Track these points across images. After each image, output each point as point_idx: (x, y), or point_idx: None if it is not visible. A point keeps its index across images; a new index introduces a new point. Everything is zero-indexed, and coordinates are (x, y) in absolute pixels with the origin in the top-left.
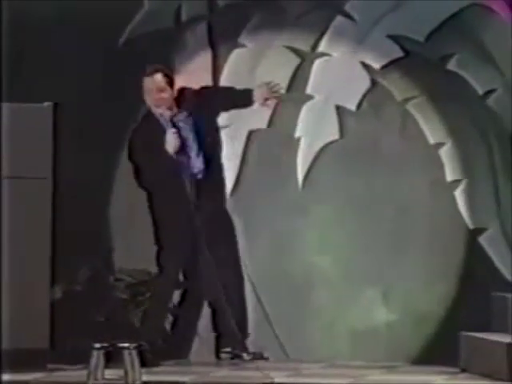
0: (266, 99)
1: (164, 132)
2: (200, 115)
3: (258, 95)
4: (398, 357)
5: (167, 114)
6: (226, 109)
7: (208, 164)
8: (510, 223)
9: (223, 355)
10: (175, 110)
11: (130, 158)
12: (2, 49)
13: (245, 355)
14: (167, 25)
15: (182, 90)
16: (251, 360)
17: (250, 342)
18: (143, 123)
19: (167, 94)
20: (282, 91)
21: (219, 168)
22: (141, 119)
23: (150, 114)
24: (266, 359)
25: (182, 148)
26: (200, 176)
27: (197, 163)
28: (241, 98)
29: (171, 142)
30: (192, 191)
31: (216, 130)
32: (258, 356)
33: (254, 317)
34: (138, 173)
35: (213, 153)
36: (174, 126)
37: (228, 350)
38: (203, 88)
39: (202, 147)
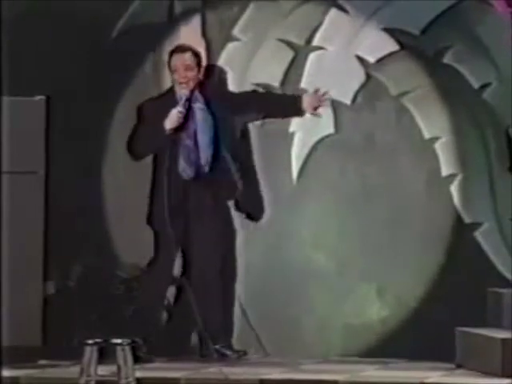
0: (316, 108)
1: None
2: (226, 112)
3: (307, 104)
4: (393, 353)
5: (184, 92)
6: (275, 116)
7: (216, 158)
8: (505, 218)
9: (207, 352)
10: (197, 92)
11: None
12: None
13: (229, 353)
14: (161, 18)
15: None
16: (236, 358)
17: (242, 339)
18: (161, 96)
19: (194, 74)
20: (329, 97)
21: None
22: (160, 94)
23: (170, 91)
24: (245, 355)
25: (181, 129)
26: (206, 169)
27: (205, 155)
28: (291, 106)
29: (172, 120)
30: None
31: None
32: (242, 354)
33: (248, 313)
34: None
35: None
36: (188, 107)
37: (215, 347)
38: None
39: (214, 142)
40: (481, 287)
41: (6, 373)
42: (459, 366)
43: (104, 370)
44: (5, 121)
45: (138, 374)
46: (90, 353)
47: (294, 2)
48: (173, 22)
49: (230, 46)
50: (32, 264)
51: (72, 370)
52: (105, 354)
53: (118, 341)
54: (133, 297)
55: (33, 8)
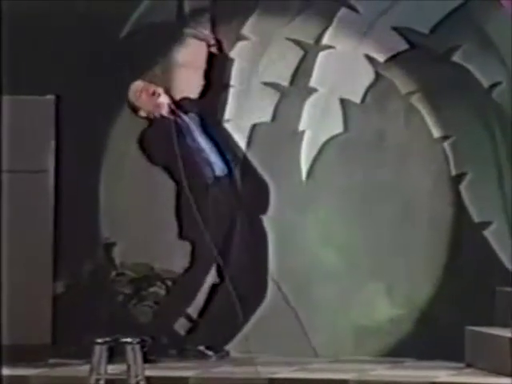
0: None
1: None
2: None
3: None
4: (403, 352)
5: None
6: None
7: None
8: None
9: (189, 352)
10: (192, 115)
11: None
12: (1, 42)
13: (210, 353)
14: (170, 17)
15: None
16: (216, 358)
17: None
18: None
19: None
20: None
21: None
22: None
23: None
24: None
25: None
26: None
27: (218, 164)
28: None
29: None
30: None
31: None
32: (224, 354)
33: (257, 312)
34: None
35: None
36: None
37: (198, 348)
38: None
39: (214, 147)
40: (490, 286)
41: (16, 372)
42: (468, 366)
43: (114, 369)
44: (14, 119)
45: (148, 373)
46: (99, 351)
47: (304, 1)
48: (182, 21)
49: (240, 44)
50: (42, 263)
51: (82, 369)
52: (115, 353)
53: (128, 339)
54: (142, 296)
55: (43, 7)
